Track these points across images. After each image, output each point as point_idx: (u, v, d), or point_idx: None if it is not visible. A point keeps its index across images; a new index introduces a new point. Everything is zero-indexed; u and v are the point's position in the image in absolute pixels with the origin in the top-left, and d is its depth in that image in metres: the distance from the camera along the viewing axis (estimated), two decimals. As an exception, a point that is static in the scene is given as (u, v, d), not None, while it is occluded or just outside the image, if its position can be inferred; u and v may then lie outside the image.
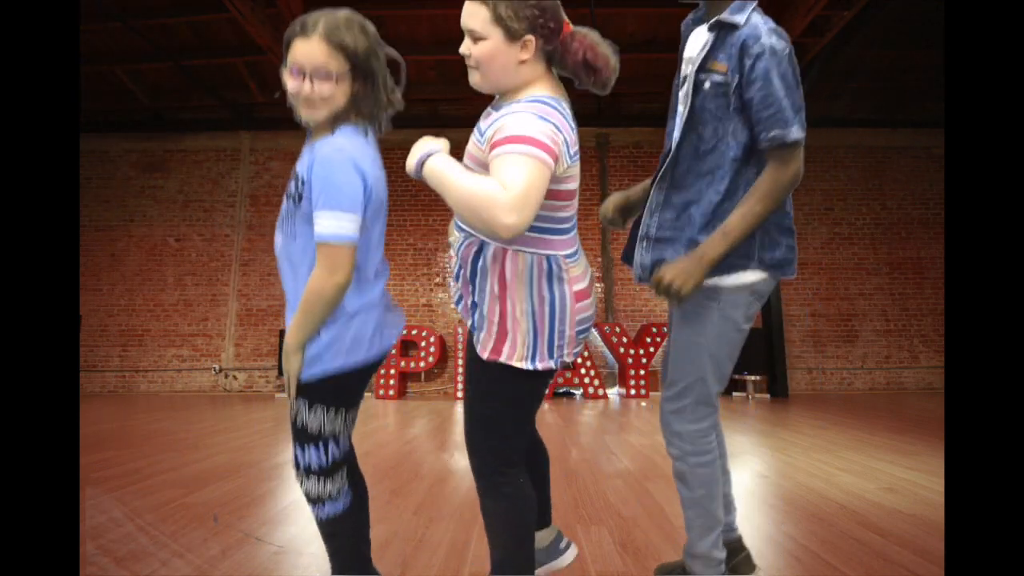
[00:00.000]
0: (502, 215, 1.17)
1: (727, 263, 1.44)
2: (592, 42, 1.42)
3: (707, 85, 1.44)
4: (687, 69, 1.52)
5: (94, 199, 9.58)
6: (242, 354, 9.32)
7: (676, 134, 1.52)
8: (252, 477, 3.57)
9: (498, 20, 1.33)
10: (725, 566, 1.63)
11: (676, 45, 1.66)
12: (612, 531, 2.56)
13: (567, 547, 1.73)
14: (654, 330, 8.69)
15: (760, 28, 1.39)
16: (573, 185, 1.41)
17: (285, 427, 5.59)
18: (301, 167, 1.45)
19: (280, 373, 8.79)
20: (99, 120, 9.48)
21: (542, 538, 1.69)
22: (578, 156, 1.40)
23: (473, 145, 1.43)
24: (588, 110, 9.21)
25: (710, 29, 1.47)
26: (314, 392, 1.47)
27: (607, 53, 1.43)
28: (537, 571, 1.67)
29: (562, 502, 2.99)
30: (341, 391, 1.49)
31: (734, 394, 8.76)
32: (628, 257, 1.68)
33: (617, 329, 8.68)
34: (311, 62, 1.38)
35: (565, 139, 1.32)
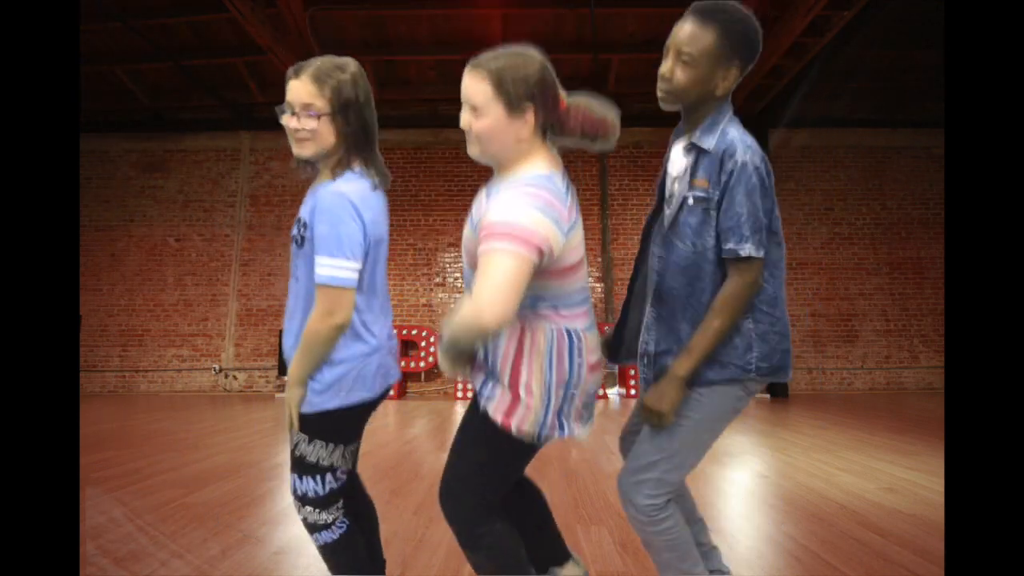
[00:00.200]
0: (480, 322, 1.24)
1: (725, 371, 1.47)
2: (588, 114, 1.46)
3: (690, 200, 1.48)
4: (672, 187, 1.56)
5: (94, 199, 9.59)
6: (242, 354, 9.32)
7: (658, 249, 1.56)
8: (252, 477, 3.57)
9: (499, 96, 1.37)
10: None
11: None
12: (612, 531, 2.56)
13: None
14: (654, 330, 8.68)
15: (736, 144, 1.43)
16: (577, 256, 1.43)
17: (285, 427, 5.59)
18: (304, 211, 1.51)
19: (280, 373, 8.78)
20: (99, 120, 9.48)
21: None
22: (576, 226, 1.42)
23: (468, 238, 1.47)
24: (588, 110, 9.18)
25: (687, 151, 1.51)
26: (314, 426, 1.50)
27: (604, 115, 1.47)
28: None
29: (562, 502, 2.99)
30: (341, 427, 1.52)
31: (734, 394, 8.75)
32: (615, 353, 1.70)
33: (617, 329, 8.68)
34: (299, 100, 1.47)
35: (556, 218, 1.33)
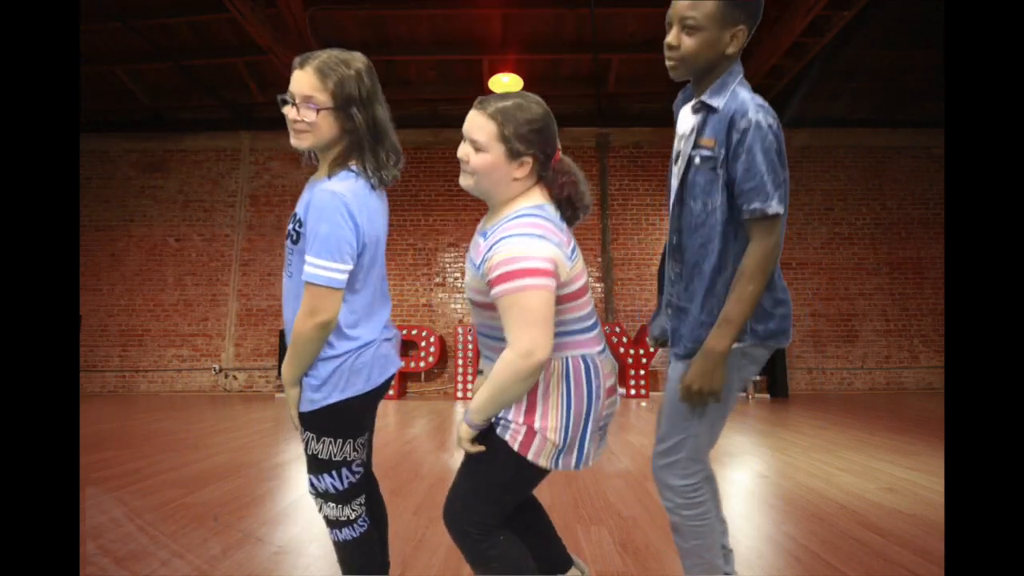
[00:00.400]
0: (524, 368, 1.31)
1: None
2: (575, 180, 1.51)
3: (697, 160, 1.49)
4: (679, 146, 1.57)
5: (94, 199, 9.58)
6: (242, 354, 9.32)
7: (671, 208, 1.58)
8: (252, 477, 3.57)
9: (502, 138, 1.40)
10: None
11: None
12: (612, 531, 2.56)
13: None
14: (654, 330, 8.68)
15: (748, 103, 1.42)
16: (582, 281, 1.45)
17: (285, 427, 5.59)
18: (300, 208, 1.50)
19: (280, 373, 8.79)
20: (99, 120, 9.48)
21: None
22: (577, 252, 1.46)
23: (469, 275, 1.48)
24: (588, 110, 9.22)
25: (694, 110, 1.52)
26: (320, 423, 1.50)
27: (585, 192, 1.52)
28: None
29: (562, 502, 2.99)
30: (345, 421, 1.52)
31: (734, 394, 8.76)
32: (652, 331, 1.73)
33: (617, 329, 8.68)
34: (300, 91, 1.46)
35: (558, 243, 1.38)
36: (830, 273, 9.32)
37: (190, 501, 3.01)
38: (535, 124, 1.42)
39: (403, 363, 8.64)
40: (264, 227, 9.49)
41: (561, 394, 1.42)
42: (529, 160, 1.42)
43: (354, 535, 1.55)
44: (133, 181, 9.72)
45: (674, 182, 1.57)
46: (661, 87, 8.87)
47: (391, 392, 8.55)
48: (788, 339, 1.54)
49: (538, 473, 1.46)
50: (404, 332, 8.82)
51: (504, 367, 1.33)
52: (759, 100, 1.45)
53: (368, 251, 1.49)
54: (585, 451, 1.45)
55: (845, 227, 9.41)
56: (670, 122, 1.62)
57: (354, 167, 1.50)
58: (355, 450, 1.54)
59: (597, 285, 9.28)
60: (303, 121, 1.46)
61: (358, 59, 1.51)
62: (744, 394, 8.61)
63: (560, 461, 1.43)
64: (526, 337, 1.30)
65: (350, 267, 1.43)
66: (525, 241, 1.34)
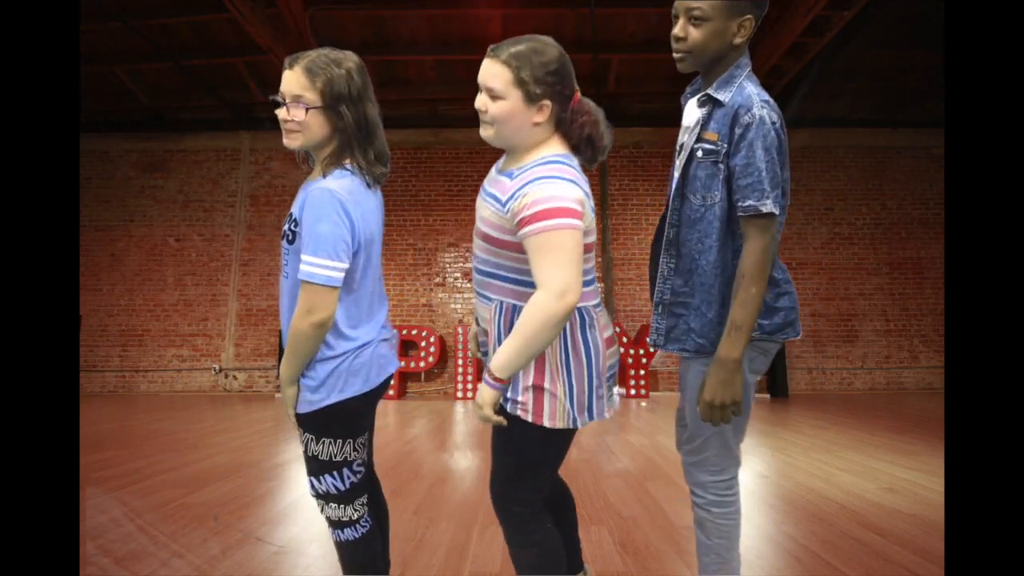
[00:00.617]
0: (558, 310, 1.28)
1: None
2: (595, 119, 1.48)
3: (699, 153, 1.48)
4: (683, 138, 1.56)
5: (94, 199, 9.58)
6: (242, 354, 9.31)
7: (671, 201, 1.57)
8: (252, 477, 3.57)
9: (519, 83, 1.37)
10: None
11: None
12: (612, 531, 2.56)
13: None
14: (654, 330, 8.68)
15: (753, 98, 1.42)
16: (592, 238, 1.45)
17: (285, 427, 5.59)
18: (295, 207, 1.50)
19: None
20: (99, 120, 9.47)
21: None
22: (592, 207, 1.45)
23: (487, 209, 1.45)
24: (588, 110, 9.17)
25: (700, 104, 1.52)
26: (319, 424, 1.50)
27: (605, 132, 1.49)
28: None
29: (562, 502, 2.99)
30: (344, 421, 1.52)
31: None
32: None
33: (617, 329, 8.68)
34: (289, 91, 1.46)
35: (586, 192, 1.39)
36: (830, 273, 9.32)
37: (190, 501, 3.01)
38: (551, 66, 1.39)
39: (401, 363, 8.66)
40: (264, 227, 9.49)
41: (559, 352, 1.41)
42: (548, 104, 1.40)
43: (356, 535, 1.55)
44: (133, 181, 9.71)
45: (676, 174, 1.56)
46: (661, 87, 8.87)
47: (391, 392, 8.55)
48: (796, 332, 1.54)
49: (562, 436, 1.46)
50: (404, 332, 8.82)
51: (535, 311, 1.29)
52: (765, 96, 1.44)
53: (364, 249, 1.49)
54: (595, 404, 1.45)
55: (845, 227, 9.40)
56: (670, 122, 1.63)
57: (348, 165, 1.50)
58: (355, 450, 1.54)
59: (598, 285, 9.27)
60: (293, 121, 1.46)
61: (349, 58, 1.51)
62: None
63: (576, 418, 1.42)
64: (559, 276, 1.28)
65: (346, 265, 1.43)
66: (558, 183, 1.34)
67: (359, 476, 1.55)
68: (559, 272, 1.29)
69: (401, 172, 9.38)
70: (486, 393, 1.37)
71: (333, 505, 1.54)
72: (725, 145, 1.43)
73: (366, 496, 1.59)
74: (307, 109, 1.45)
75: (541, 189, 1.33)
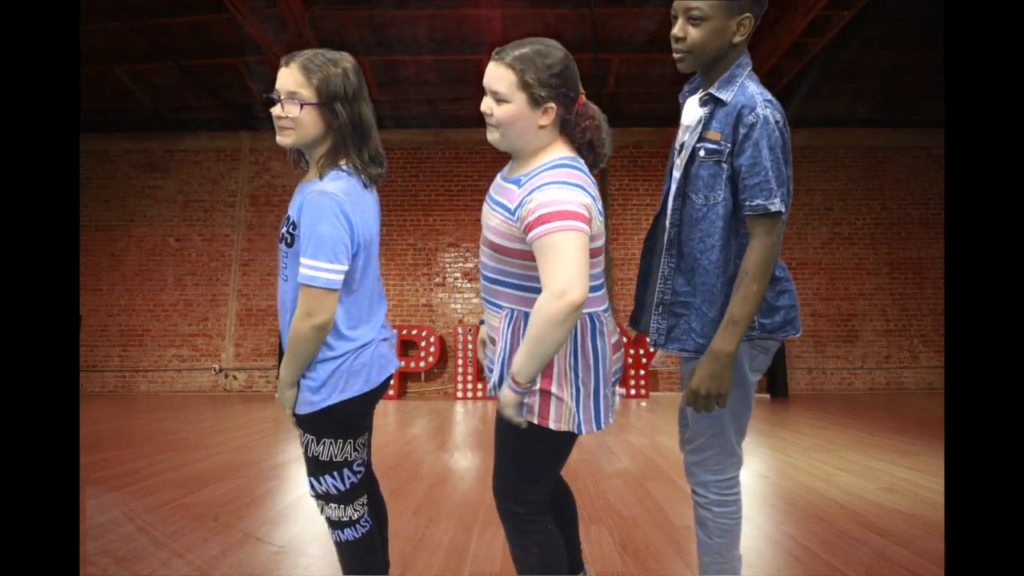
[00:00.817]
0: (559, 309, 1.27)
1: None
2: (598, 124, 1.48)
3: (702, 152, 1.48)
4: (684, 137, 1.56)
5: (94, 199, 9.58)
6: (242, 354, 9.31)
7: (672, 201, 1.56)
8: (252, 477, 3.57)
9: (524, 86, 1.37)
10: None
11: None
12: (612, 531, 2.56)
13: None
14: (654, 330, 8.67)
15: (756, 98, 1.42)
16: (600, 242, 1.45)
17: (285, 427, 5.59)
18: (292, 209, 1.50)
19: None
20: (99, 120, 9.47)
21: None
22: (601, 211, 1.45)
23: (495, 218, 1.45)
24: (588, 110, 9.17)
25: (702, 103, 1.51)
26: (319, 425, 1.50)
27: (606, 139, 1.50)
28: None
29: (562, 502, 2.99)
30: (344, 422, 1.52)
31: (734, 394, 8.76)
32: (637, 322, 1.72)
33: (617, 330, 8.68)
34: (285, 87, 1.46)
35: (593, 197, 1.38)
36: (830, 273, 9.32)
37: (190, 501, 3.01)
38: (555, 68, 1.39)
39: (401, 363, 8.66)
40: (264, 227, 9.49)
41: (568, 356, 1.41)
42: (553, 106, 1.40)
43: (356, 535, 1.55)
44: (133, 181, 9.71)
45: (676, 174, 1.56)
46: (661, 87, 8.87)
47: (391, 392, 8.55)
48: (796, 330, 1.54)
49: (565, 440, 1.46)
50: (404, 332, 8.82)
51: (537, 312, 1.30)
52: (767, 95, 1.44)
53: (363, 251, 1.49)
54: (602, 411, 1.45)
55: (845, 227, 9.40)
56: (670, 122, 1.62)
57: (344, 166, 1.50)
58: (355, 450, 1.54)
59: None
60: (287, 117, 1.46)
61: (345, 58, 1.51)
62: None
63: (581, 424, 1.42)
64: (560, 276, 1.28)
65: (346, 267, 1.43)
66: (564, 189, 1.34)
67: (359, 476, 1.55)
68: (559, 271, 1.29)
69: (401, 172, 9.38)
70: (506, 395, 1.38)
71: (333, 505, 1.54)
72: (728, 145, 1.43)
73: (366, 496, 1.59)
74: (302, 105, 1.45)
75: (546, 194, 1.33)
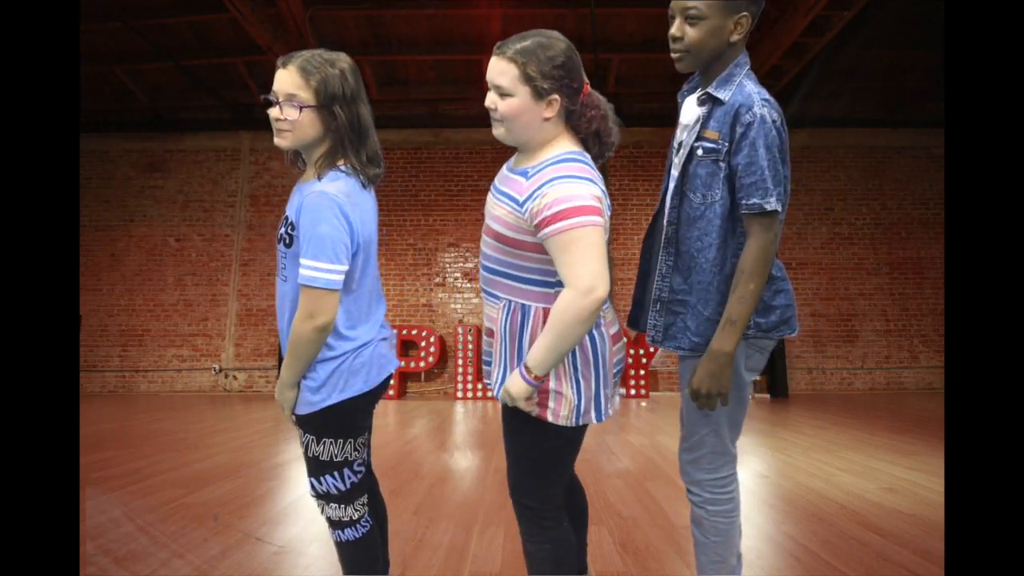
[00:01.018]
0: (587, 306, 1.29)
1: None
2: (604, 114, 1.48)
3: (700, 151, 1.48)
4: (681, 136, 1.56)
5: (94, 199, 9.58)
6: (242, 354, 9.31)
7: (670, 199, 1.57)
8: (252, 477, 3.57)
9: (526, 79, 1.37)
10: None
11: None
12: (612, 531, 2.56)
13: None
14: (654, 330, 8.68)
15: (753, 97, 1.43)
16: (607, 233, 1.45)
17: (285, 427, 5.59)
18: (290, 210, 1.50)
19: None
20: (99, 120, 9.47)
21: None
22: (610, 206, 1.46)
23: (500, 208, 1.45)
24: (588, 110, 9.16)
25: (700, 102, 1.52)
26: (319, 425, 1.50)
27: (613, 128, 1.49)
28: None
29: (562, 502, 2.99)
30: (345, 421, 1.52)
31: (734, 394, 8.76)
32: (636, 322, 1.71)
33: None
34: (283, 90, 1.45)
35: (602, 191, 1.39)
36: (830, 273, 9.32)
37: (190, 501, 3.01)
38: (558, 60, 1.38)
39: (401, 363, 8.66)
40: (264, 227, 9.49)
41: None
42: (557, 98, 1.40)
43: (357, 535, 1.55)
44: (133, 181, 9.71)
45: (674, 173, 1.56)
46: (661, 87, 8.87)
47: (391, 392, 8.55)
48: (792, 329, 1.54)
49: (571, 433, 1.46)
50: (404, 332, 8.82)
51: (564, 309, 1.31)
52: (765, 94, 1.45)
53: (362, 250, 1.49)
54: (603, 401, 1.45)
55: (845, 227, 9.40)
56: (670, 122, 1.62)
57: (343, 167, 1.49)
58: (356, 450, 1.54)
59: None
60: (285, 120, 1.45)
61: (342, 59, 1.51)
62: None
63: (581, 416, 1.42)
64: (586, 273, 1.30)
65: (346, 267, 1.42)
66: (576, 183, 1.34)
67: (359, 476, 1.55)
68: (585, 269, 1.30)
69: (401, 172, 9.38)
70: (519, 386, 1.38)
71: (334, 505, 1.54)
72: (726, 144, 1.43)
73: (366, 496, 1.59)
74: (301, 108, 1.44)
75: (560, 189, 1.33)
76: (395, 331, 1.67)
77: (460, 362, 8.73)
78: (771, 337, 1.52)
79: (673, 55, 1.50)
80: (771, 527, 2.64)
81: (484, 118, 1.46)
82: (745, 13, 1.45)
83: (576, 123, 1.46)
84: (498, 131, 1.45)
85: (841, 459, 4.09)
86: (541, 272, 1.42)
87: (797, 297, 9.86)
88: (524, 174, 1.43)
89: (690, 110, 1.55)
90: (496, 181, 1.53)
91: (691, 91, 1.61)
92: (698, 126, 1.50)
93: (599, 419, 1.45)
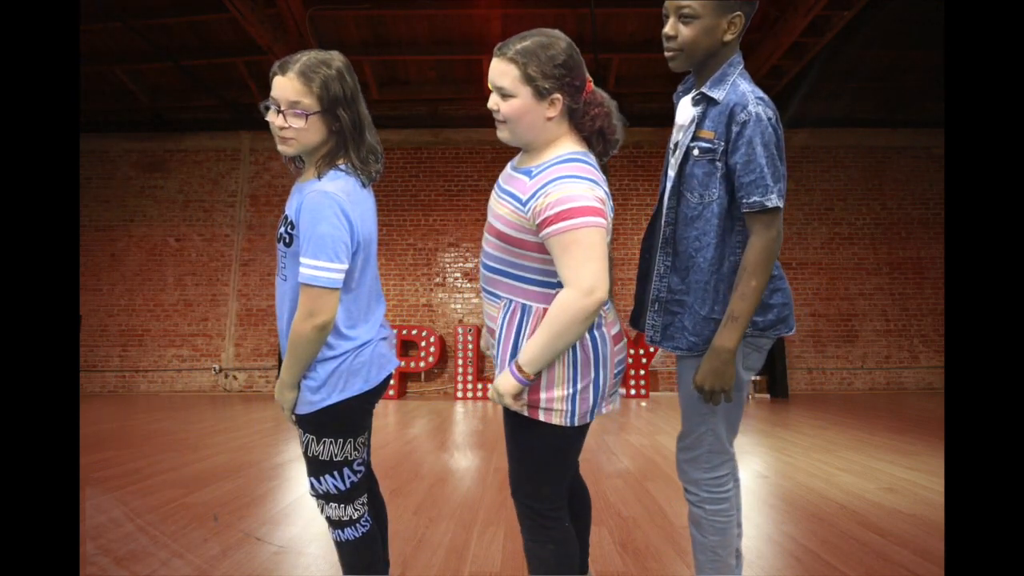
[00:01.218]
0: (587, 307, 1.29)
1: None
2: (608, 111, 1.48)
3: (696, 151, 1.49)
4: (678, 136, 1.57)
5: (94, 199, 9.58)
6: (242, 354, 9.31)
7: (667, 199, 1.57)
8: (252, 477, 3.57)
9: (528, 79, 1.37)
10: None
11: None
12: (612, 531, 2.56)
13: None
14: (654, 330, 8.67)
15: (748, 96, 1.43)
16: (608, 237, 1.45)
17: (285, 427, 5.59)
18: (290, 209, 1.49)
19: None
20: (99, 120, 9.47)
21: None
22: (613, 208, 1.45)
23: (503, 207, 1.45)
24: (588, 110, 9.17)
25: (695, 102, 1.52)
26: (319, 425, 1.50)
27: (617, 125, 1.49)
28: None
29: (562, 502, 2.99)
30: (345, 421, 1.51)
31: (734, 394, 8.76)
32: (636, 321, 1.72)
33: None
34: (285, 97, 1.44)
35: (606, 191, 1.39)
36: (830, 273, 9.32)
37: (190, 501, 3.01)
38: (559, 59, 1.38)
39: (401, 363, 8.66)
40: (264, 227, 9.49)
41: (567, 349, 1.41)
42: (559, 97, 1.39)
43: (356, 535, 1.55)
44: (133, 181, 9.71)
45: (671, 173, 1.56)
46: (661, 87, 8.87)
47: (391, 392, 8.55)
48: (790, 328, 1.54)
49: (572, 433, 1.46)
50: (404, 332, 8.82)
51: (563, 309, 1.31)
52: (759, 93, 1.45)
53: (362, 250, 1.48)
54: (599, 401, 1.45)
55: (845, 227, 9.40)
56: (670, 122, 1.62)
57: (343, 166, 1.49)
58: (356, 449, 1.54)
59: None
60: (290, 128, 1.44)
61: (336, 58, 1.50)
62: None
63: (581, 416, 1.42)
64: (587, 274, 1.30)
65: (346, 266, 1.42)
66: (580, 183, 1.34)
67: (359, 476, 1.55)
68: (586, 269, 1.30)
69: (401, 172, 9.38)
70: (509, 383, 1.37)
71: (334, 505, 1.54)
72: (722, 143, 1.44)
73: (366, 496, 1.59)
74: (307, 116, 1.43)
75: (563, 189, 1.33)
76: (395, 331, 1.67)
77: (460, 362, 8.73)
78: (768, 336, 1.52)
79: (667, 54, 1.50)
80: (771, 527, 2.64)
81: (484, 118, 1.47)
82: (739, 13, 1.45)
83: (580, 121, 1.46)
84: (502, 134, 1.45)
85: (841, 459, 4.09)
86: (542, 272, 1.42)
87: (797, 297, 9.90)
88: (528, 173, 1.43)
89: (685, 110, 1.56)
90: (500, 180, 1.53)
91: (686, 92, 1.61)
92: (693, 126, 1.50)
93: (591, 417, 1.45)
